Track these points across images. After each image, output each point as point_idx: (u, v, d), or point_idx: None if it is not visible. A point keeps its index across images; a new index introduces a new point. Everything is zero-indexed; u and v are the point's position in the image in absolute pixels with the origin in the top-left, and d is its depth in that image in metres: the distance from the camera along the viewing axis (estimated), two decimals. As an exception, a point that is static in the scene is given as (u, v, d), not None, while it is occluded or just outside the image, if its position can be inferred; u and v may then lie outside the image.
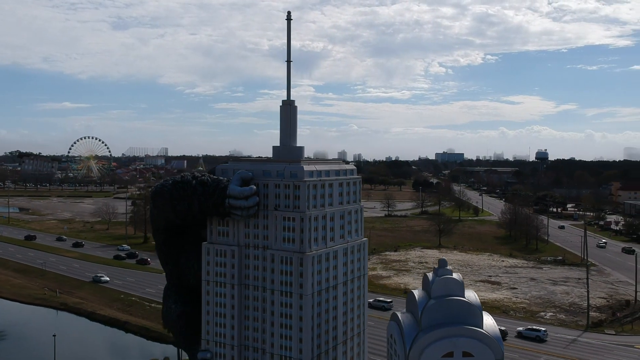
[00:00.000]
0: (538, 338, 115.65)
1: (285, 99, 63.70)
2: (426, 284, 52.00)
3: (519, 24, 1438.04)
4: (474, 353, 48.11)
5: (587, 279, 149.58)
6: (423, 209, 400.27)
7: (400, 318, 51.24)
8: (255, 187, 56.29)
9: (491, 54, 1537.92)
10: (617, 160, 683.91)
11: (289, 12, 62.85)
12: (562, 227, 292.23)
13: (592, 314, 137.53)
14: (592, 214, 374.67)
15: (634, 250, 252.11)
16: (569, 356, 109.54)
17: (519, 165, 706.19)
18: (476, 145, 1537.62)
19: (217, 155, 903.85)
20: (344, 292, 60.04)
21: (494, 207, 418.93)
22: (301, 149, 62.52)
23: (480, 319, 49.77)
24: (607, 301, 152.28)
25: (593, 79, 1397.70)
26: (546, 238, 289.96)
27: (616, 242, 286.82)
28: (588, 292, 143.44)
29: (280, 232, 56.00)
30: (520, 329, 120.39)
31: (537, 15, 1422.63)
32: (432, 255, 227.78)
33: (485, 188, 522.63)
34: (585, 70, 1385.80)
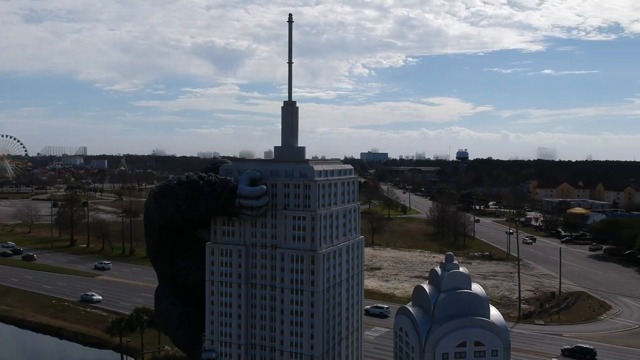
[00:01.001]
0: None
1: (287, 100, 64.68)
2: (435, 278, 54.61)
3: (438, 27, 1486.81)
4: (485, 342, 51.21)
5: (519, 272, 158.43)
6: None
7: (412, 312, 53.59)
8: (265, 186, 57.04)
9: (412, 57, 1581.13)
10: (531, 160, 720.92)
11: (290, 15, 63.92)
12: (477, 221, 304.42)
13: (522, 305, 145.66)
14: (513, 210, 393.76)
15: (535, 239, 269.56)
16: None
17: (441, 164, 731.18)
18: (399, 145, 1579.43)
19: (139, 154, 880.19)
20: (347, 288, 61.84)
21: (420, 205, 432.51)
22: (303, 149, 63.76)
23: (488, 310, 52.95)
24: (535, 293, 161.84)
25: (508, 81, 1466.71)
26: (472, 235, 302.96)
27: (538, 237, 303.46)
28: (520, 285, 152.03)
29: (290, 231, 57.02)
30: None
31: (456, 19, 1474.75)
32: (367, 252, 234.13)
33: (410, 187, 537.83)
34: (501, 73, 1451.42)
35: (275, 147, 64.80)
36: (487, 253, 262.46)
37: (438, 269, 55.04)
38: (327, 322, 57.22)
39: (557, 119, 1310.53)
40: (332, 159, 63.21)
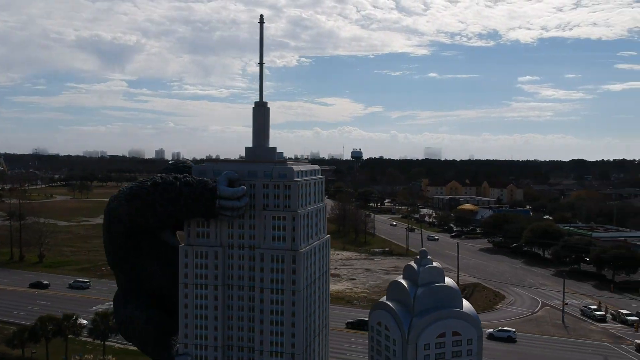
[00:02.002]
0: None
1: (258, 100, 64.90)
2: (411, 273, 57.34)
3: (330, 29, 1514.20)
4: (461, 332, 54.60)
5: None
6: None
7: (391, 306, 55.96)
8: (245, 187, 57.13)
9: (305, 57, 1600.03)
10: (420, 159, 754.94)
11: (261, 16, 64.05)
12: (367, 216, 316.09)
13: None
14: (407, 208, 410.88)
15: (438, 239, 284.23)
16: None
17: (336, 163, 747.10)
18: (293, 145, 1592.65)
19: (19, 153, 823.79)
20: (319, 286, 63.24)
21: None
22: (274, 149, 64.22)
23: (461, 301, 56.44)
24: None
25: (396, 84, 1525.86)
26: (372, 232, 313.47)
27: (430, 232, 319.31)
28: None
29: (269, 231, 57.49)
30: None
31: (347, 21, 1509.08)
32: None
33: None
34: (390, 75, 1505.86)
35: (247, 148, 64.86)
36: (387, 249, 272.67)
37: (414, 265, 57.79)
38: (306, 320, 58.35)
39: (442, 120, 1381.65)
40: (300, 159, 64.25)
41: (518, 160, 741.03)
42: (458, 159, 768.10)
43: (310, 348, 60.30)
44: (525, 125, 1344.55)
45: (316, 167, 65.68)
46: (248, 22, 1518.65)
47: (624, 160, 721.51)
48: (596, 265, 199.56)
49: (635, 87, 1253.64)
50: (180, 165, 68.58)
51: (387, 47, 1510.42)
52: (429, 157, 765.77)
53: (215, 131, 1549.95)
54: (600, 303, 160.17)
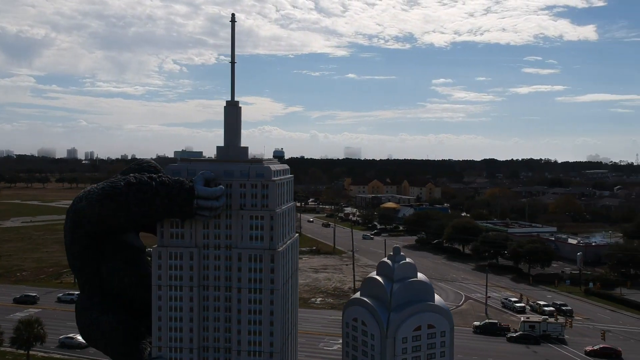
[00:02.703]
0: None
1: (229, 99, 64.49)
2: (386, 270, 58.89)
3: (250, 27, 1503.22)
4: (435, 324, 56.78)
5: (353, 265, 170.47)
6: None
7: (368, 302, 57.29)
8: (222, 187, 56.76)
9: (225, 55, 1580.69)
10: (340, 159, 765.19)
11: (233, 15, 63.68)
12: (327, 225, 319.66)
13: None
14: (331, 207, 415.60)
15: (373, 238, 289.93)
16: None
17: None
18: (213, 144, 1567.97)
19: None
20: (291, 285, 63.75)
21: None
22: (246, 149, 64.09)
23: (433, 295, 58.63)
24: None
25: (316, 84, 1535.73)
26: (299, 231, 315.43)
27: (356, 230, 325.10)
28: (354, 276, 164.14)
29: (247, 230, 57.43)
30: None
31: (267, 21, 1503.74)
32: None
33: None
34: (310, 75, 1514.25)
35: (218, 147, 64.33)
36: (314, 248, 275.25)
37: (388, 261, 59.39)
38: (282, 319, 58.74)
39: (361, 121, 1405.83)
40: (269, 159, 64.49)
41: (434, 160, 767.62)
42: (377, 159, 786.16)
43: (285, 347, 60.75)
44: (439, 125, 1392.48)
45: (286, 166, 66.13)
46: (165, 19, 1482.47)
47: (531, 159, 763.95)
48: (513, 259, 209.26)
49: (541, 91, 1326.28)
50: (144, 165, 67.07)
51: (306, 47, 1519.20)
52: (349, 157, 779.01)
53: (131, 130, 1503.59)
54: (521, 295, 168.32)
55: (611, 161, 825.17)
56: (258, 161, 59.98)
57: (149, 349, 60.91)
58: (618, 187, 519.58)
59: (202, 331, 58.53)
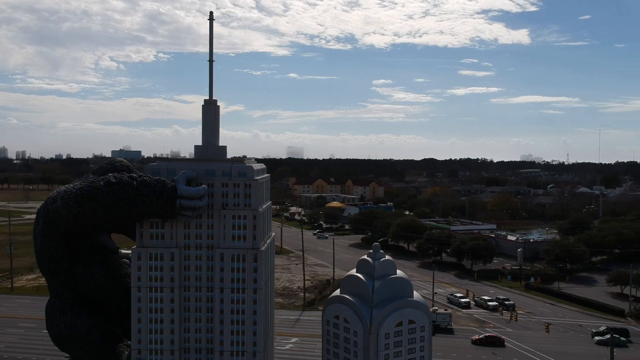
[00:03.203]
0: None
1: (208, 98, 63.90)
2: (366, 267, 59.88)
3: (189, 25, 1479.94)
4: (415, 320, 58.23)
5: (303, 265, 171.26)
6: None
7: (350, 299, 58.09)
8: (205, 186, 56.32)
9: (163, 52, 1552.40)
10: (283, 158, 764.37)
11: (211, 13, 63.12)
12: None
13: (305, 294, 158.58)
14: (276, 206, 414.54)
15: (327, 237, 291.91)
16: (297, 334, 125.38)
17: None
18: (151, 143, 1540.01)
19: None
20: (270, 284, 63.79)
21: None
22: (224, 148, 63.65)
23: (412, 291, 60.03)
24: (312, 282, 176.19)
25: (258, 83, 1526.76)
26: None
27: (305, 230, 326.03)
28: (304, 275, 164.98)
29: (229, 230, 57.20)
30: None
31: (207, 18, 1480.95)
32: None
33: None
34: (251, 74, 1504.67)
35: (196, 147, 63.66)
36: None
37: (368, 258, 60.37)
38: (264, 318, 58.82)
39: (303, 120, 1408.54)
40: (248, 158, 64.32)
41: (375, 159, 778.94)
42: (320, 158, 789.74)
43: (267, 345, 60.81)
44: (379, 125, 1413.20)
45: (263, 166, 66.14)
46: (101, 14, 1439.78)
47: (468, 159, 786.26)
48: (456, 256, 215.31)
49: (476, 92, 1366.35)
50: (117, 165, 65.70)
51: (247, 46, 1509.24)
52: (292, 156, 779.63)
53: (66, 128, 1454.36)
54: (467, 291, 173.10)
55: (544, 161, 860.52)
56: (239, 160, 59.85)
57: (127, 351, 59.74)
58: (551, 185, 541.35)
59: (183, 332, 57.91)
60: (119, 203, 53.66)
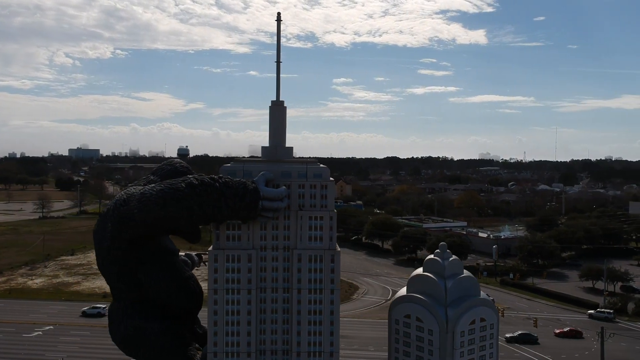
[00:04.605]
0: None
1: (275, 99, 63.59)
2: (436, 267, 60.71)
3: (147, 21, 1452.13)
4: (486, 318, 59.48)
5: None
6: (82, 209, 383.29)
7: (423, 298, 58.82)
8: (285, 188, 56.25)
9: (121, 49, 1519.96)
10: (246, 157, 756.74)
11: (278, 14, 62.79)
12: None
13: None
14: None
15: None
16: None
17: (161, 161, 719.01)
18: (109, 141, 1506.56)
19: None
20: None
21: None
22: (291, 149, 63.52)
23: (479, 290, 61.27)
24: None
25: (218, 80, 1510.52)
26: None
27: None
28: None
29: (306, 231, 57.26)
30: None
31: (166, 15, 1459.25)
32: None
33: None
34: (211, 72, 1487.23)
35: (263, 147, 63.36)
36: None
37: (437, 258, 61.24)
38: (339, 318, 59.06)
39: (264, 118, 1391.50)
40: (313, 159, 64.32)
41: (339, 158, 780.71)
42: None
43: (337, 346, 61.05)
44: (341, 124, 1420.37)
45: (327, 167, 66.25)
46: (55, 9, 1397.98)
47: (430, 157, 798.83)
48: (432, 253, 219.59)
49: (435, 91, 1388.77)
50: (178, 166, 65.00)
51: (207, 43, 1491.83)
52: (254, 154, 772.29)
53: (18, 126, 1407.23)
54: None
55: (502, 159, 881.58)
56: (312, 162, 59.98)
57: (197, 355, 59.08)
58: (512, 183, 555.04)
59: (259, 334, 57.58)
60: (203, 205, 53.01)
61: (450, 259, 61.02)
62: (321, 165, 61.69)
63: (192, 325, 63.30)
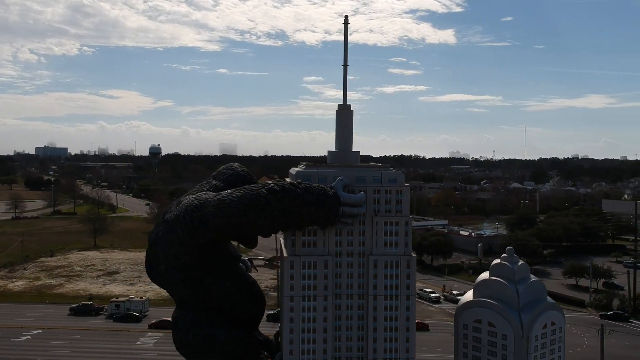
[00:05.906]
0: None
1: (342, 103, 62.53)
2: (505, 271, 60.51)
3: (115, 18, 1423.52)
4: (556, 322, 59.75)
5: (279, 265, 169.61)
6: (56, 209, 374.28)
7: (495, 303, 58.60)
8: (364, 193, 55.34)
9: (88, 46, 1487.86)
10: (217, 155, 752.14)
11: (346, 17, 61.66)
12: None
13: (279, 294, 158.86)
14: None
15: None
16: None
17: (131, 159, 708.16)
18: (77, 139, 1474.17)
19: None
20: (400, 289, 63.35)
21: (128, 203, 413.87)
22: (357, 153, 62.60)
23: (546, 294, 61.46)
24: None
25: (187, 78, 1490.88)
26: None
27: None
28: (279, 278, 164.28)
29: (382, 237, 56.50)
30: None
31: (134, 11, 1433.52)
32: (95, 256, 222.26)
33: (106, 184, 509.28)
34: (180, 69, 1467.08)
35: (329, 152, 62.34)
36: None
37: (506, 263, 61.08)
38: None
39: (234, 117, 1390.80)
40: (383, 165, 63.41)
41: (311, 156, 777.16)
42: (255, 155, 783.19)
43: (409, 351, 60.49)
44: (311, 122, 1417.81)
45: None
46: (19, 4, 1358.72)
47: (402, 155, 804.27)
48: (416, 252, 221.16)
49: (405, 90, 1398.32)
50: (239, 170, 63.51)
51: (176, 41, 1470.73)
52: (226, 153, 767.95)
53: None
54: (444, 287, 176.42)
55: (472, 157, 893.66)
56: (386, 166, 59.30)
57: (268, 363, 57.85)
58: (484, 181, 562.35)
59: (334, 341, 56.60)
60: (286, 212, 51.79)
61: (519, 263, 60.95)
62: (394, 170, 60.83)
63: (254, 332, 61.95)
